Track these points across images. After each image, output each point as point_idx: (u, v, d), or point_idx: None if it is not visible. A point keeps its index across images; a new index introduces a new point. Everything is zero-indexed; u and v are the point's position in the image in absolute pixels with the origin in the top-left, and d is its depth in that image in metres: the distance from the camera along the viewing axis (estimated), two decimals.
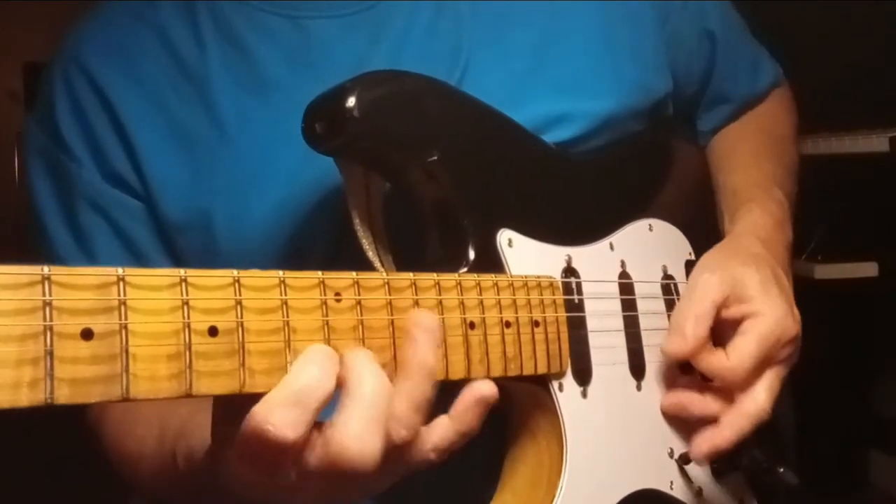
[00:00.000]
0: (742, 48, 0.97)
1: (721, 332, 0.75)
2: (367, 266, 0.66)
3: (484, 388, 0.56)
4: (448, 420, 0.55)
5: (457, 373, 0.59)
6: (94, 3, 0.80)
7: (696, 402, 0.75)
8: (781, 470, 0.79)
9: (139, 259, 0.75)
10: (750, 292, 0.74)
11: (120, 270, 0.41)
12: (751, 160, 0.91)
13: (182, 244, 0.75)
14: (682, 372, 0.77)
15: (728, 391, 0.74)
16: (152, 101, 0.74)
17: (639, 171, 0.87)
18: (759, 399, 0.73)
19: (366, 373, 0.50)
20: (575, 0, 0.81)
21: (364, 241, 0.66)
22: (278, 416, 0.46)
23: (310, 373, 0.48)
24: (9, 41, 2.20)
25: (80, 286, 0.40)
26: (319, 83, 0.64)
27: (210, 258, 0.74)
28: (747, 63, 0.98)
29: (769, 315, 0.73)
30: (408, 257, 0.68)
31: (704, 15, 0.92)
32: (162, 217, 0.74)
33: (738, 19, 0.98)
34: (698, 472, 0.77)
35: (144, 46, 0.76)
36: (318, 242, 0.73)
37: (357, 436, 0.48)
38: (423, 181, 0.67)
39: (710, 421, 0.74)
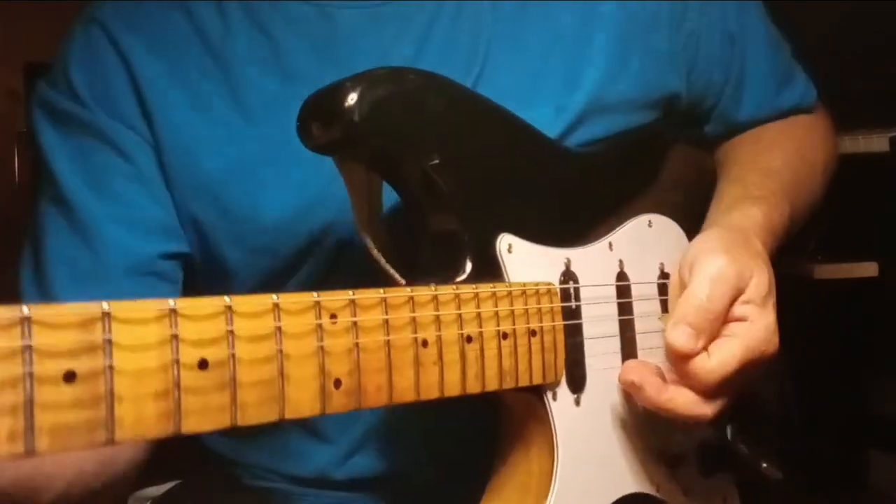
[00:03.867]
0: (767, 58, 0.94)
1: None
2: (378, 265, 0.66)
3: None
4: None
5: (452, 390, 0.58)
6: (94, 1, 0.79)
7: (653, 388, 0.68)
8: (765, 465, 0.79)
9: (157, 202, 0.74)
10: (751, 295, 0.69)
11: (105, 305, 0.39)
12: (774, 169, 0.86)
13: (193, 209, 0.74)
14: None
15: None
16: (174, 73, 0.74)
17: (639, 168, 0.85)
18: (712, 403, 0.68)
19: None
20: (594, 0, 0.80)
21: (368, 240, 0.65)
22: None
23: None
24: (9, 41, 2.19)
25: (61, 325, 0.38)
26: (344, 73, 0.63)
27: (219, 223, 0.74)
28: (772, 76, 0.95)
29: (763, 326, 0.68)
30: (412, 257, 0.67)
31: (725, 18, 0.90)
32: (172, 185, 0.74)
33: (772, 33, 0.95)
34: (685, 475, 0.77)
35: (170, 21, 0.75)
36: (329, 234, 0.73)
37: None
38: (422, 184, 0.65)
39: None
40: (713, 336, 0.67)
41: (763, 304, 0.69)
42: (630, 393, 0.70)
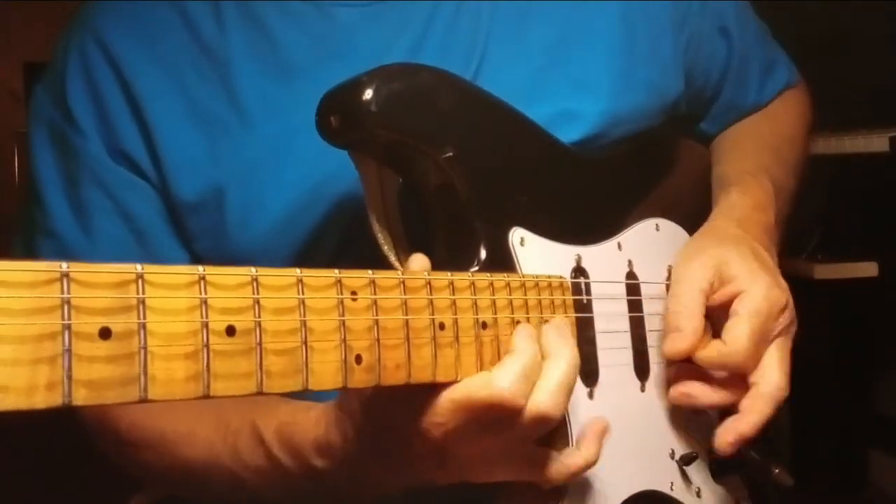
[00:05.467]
0: (757, 51, 0.96)
1: (714, 320, 0.74)
2: (379, 258, 0.66)
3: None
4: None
5: (468, 372, 0.58)
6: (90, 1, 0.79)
7: (703, 393, 0.74)
8: (777, 470, 0.79)
9: (140, 237, 0.75)
10: (732, 271, 0.73)
11: (139, 267, 0.40)
12: (748, 152, 0.90)
13: (192, 225, 0.74)
14: (686, 369, 0.76)
15: (737, 378, 0.73)
16: (171, 79, 0.74)
17: (648, 170, 0.87)
18: (772, 378, 0.72)
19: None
20: (595, 0, 0.81)
21: (380, 235, 0.66)
22: (516, 387, 0.57)
23: (532, 349, 0.59)
24: (9, 41, 2.19)
25: (98, 284, 0.39)
26: (343, 70, 0.64)
27: (220, 241, 0.74)
28: (762, 66, 0.97)
29: (756, 290, 0.72)
30: (425, 250, 0.68)
31: (722, 14, 0.92)
32: (174, 196, 0.74)
33: (757, 22, 0.98)
34: (697, 474, 0.78)
35: (165, 24, 0.75)
36: (330, 231, 0.73)
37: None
38: (436, 177, 0.66)
39: (718, 411, 0.74)
40: (702, 328, 0.72)
41: (750, 272, 0.73)
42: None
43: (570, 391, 0.61)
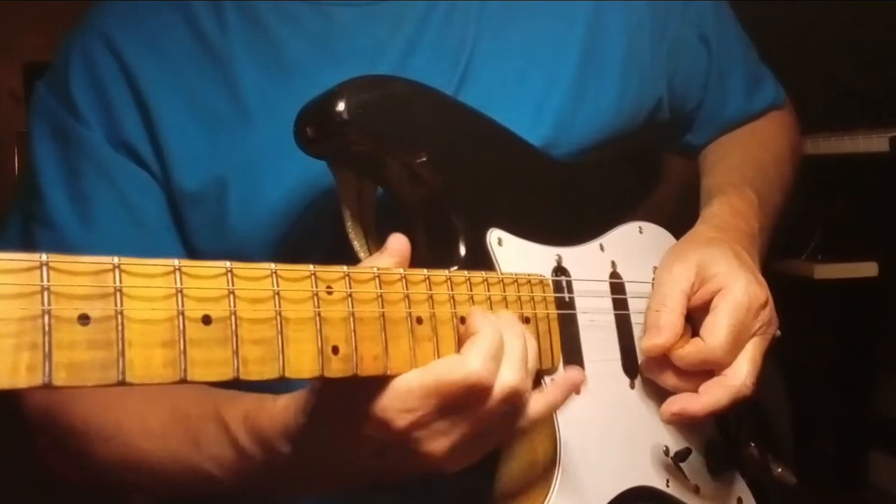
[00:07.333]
0: (740, 61, 0.97)
1: (695, 322, 0.75)
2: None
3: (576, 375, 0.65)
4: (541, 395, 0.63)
5: None
6: (94, 3, 0.81)
7: (671, 380, 0.75)
8: (779, 469, 0.79)
9: (141, 228, 0.75)
10: (713, 270, 0.74)
11: (116, 259, 0.42)
12: (734, 165, 0.92)
13: (193, 218, 0.76)
14: (674, 369, 0.77)
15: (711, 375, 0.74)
16: (173, 76, 0.76)
17: (629, 174, 0.88)
18: (740, 372, 0.73)
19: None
20: (577, 1, 0.83)
21: (355, 243, 0.68)
22: (489, 366, 0.56)
23: (495, 329, 0.58)
24: (9, 41, 2.21)
25: (76, 272, 0.41)
26: (340, 69, 0.66)
27: (220, 234, 0.75)
28: (746, 79, 0.98)
29: (736, 286, 0.73)
30: None
31: (702, 22, 0.93)
32: (176, 187, 0.75)
33: (742, 37, 0.99)
34: (695, 471, 0.78)
35: (168, 23, 0.77)
36: (326, 229, 0.74)
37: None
38: (411, 183, 0.68)
39: None
40: (681, 325, 0.73)
41: (730, 269, 0.74)
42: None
43: (526, 363, 0.60)
